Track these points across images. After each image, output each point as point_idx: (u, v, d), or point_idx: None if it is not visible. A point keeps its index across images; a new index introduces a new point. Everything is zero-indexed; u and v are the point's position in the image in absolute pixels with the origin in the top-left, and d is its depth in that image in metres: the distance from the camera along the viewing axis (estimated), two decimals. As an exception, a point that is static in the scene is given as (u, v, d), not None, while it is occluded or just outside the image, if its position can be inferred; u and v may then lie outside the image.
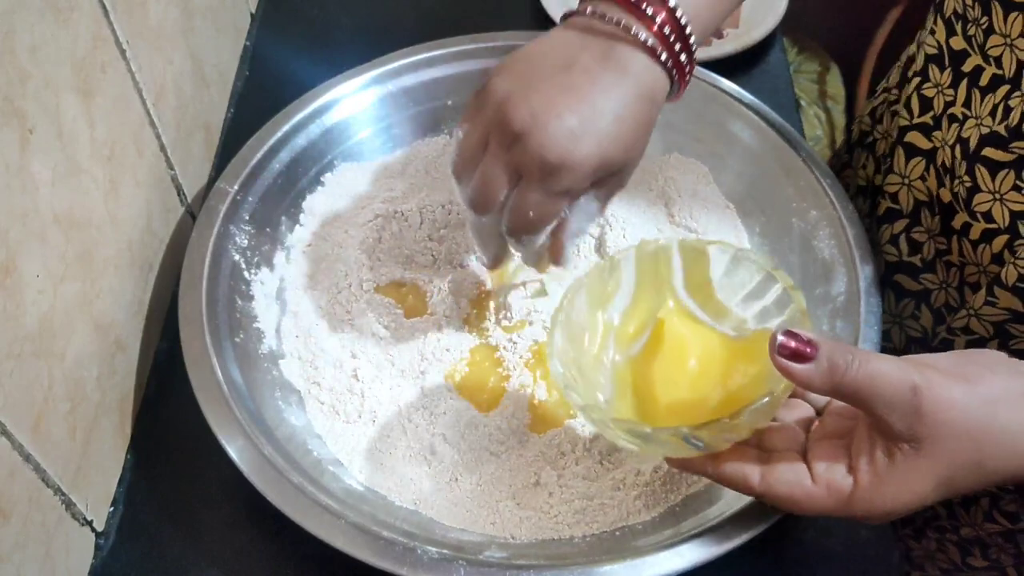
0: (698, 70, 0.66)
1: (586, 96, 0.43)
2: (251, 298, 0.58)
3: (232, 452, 0.48)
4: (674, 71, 0.45)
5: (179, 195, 0.64)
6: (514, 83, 0.44)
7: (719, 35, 0.80)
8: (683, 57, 0.45)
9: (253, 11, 0.82)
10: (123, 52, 0.55)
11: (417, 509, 0.51)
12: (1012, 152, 0.50)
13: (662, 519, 0.49)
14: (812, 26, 1.34)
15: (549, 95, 0.43)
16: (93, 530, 0.51)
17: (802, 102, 1.36)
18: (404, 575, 0.44)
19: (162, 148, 0.61)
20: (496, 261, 0.52)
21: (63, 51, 0.48)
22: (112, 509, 0.53)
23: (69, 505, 0.48)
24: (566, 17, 0.46)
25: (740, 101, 0.64)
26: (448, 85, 0.67)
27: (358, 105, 0.66)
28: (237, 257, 0.58)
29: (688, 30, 0.44)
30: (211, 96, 0.71)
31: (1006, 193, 0.51)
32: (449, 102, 0.68)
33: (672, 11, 0.43)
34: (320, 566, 0.50)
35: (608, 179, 0.46)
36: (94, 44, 0.51)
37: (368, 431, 0.54)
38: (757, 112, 0.63)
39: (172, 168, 0.62)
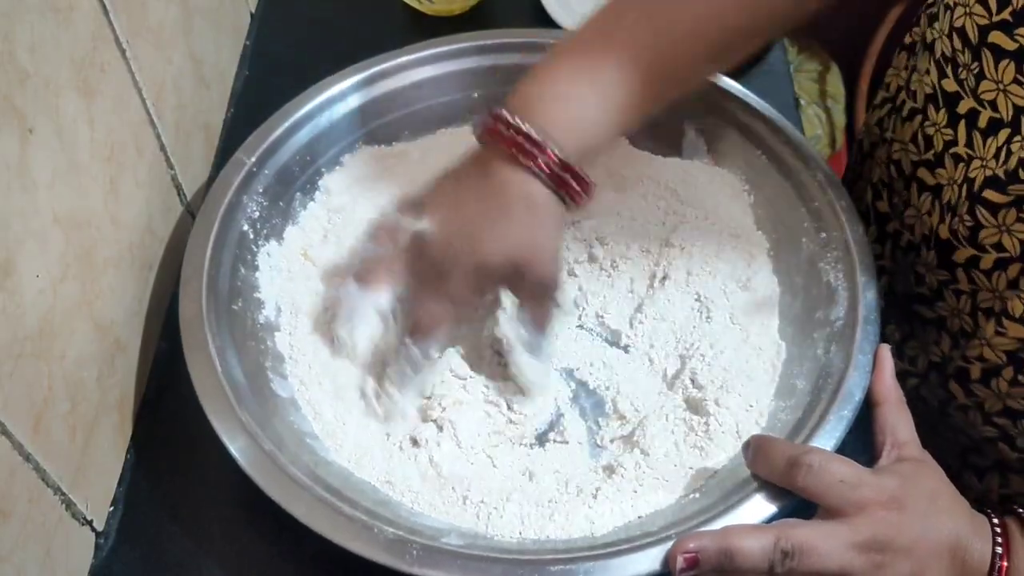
0: (733, 87, 0.65)
1: (473, 217, 0.52)
2: (255, 268, 0.58)
3: (233, 449, 0.47)
4: (561, 192, 0.52)
5: (179, 195, 0.64)
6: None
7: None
8: (571, 183, 0.52)
9: (253, 11, 0.82)
10: (123, 52, 0.55)
11: (416, 504, 0.51)
12: (1009, 195, 0.51)
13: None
14: (812, 25, 1.34)
15: (449, 217, 0.53)
16: (93, 530, 0.51)
17: (802, 101, 1.36)
18: (409, 571, 0.44)
19: (162, 148, 0.61)
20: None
21: (63, 51, 0.48)
22: (112, 509, 0.53)
23: (69, 505, 0.48)
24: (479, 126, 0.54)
25: (761, 116, 0.64)
26: (475, 78, 0.68)
27: (383, 89, 0.66)
28: (246, 227, 0.58)
29: (569, 161, 0.51)
30: (211, 96, 0.71)
31: (1012, 225, 0.51)
32: (475, 94, 0.68)
33: (553, 154, 0.51)
34: (321, 565, 0.50)
35: (517, 285, 0.53)
36: (94, 44, 0.51)
37: (370, 422, 0.54)
38: (781, 131, 0.63)
39: (172, 168, 0.62)
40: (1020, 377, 0.54)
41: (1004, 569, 0.44)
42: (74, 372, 0.49)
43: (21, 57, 0.43)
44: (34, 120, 0.44)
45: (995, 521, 0.46)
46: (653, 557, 0.44)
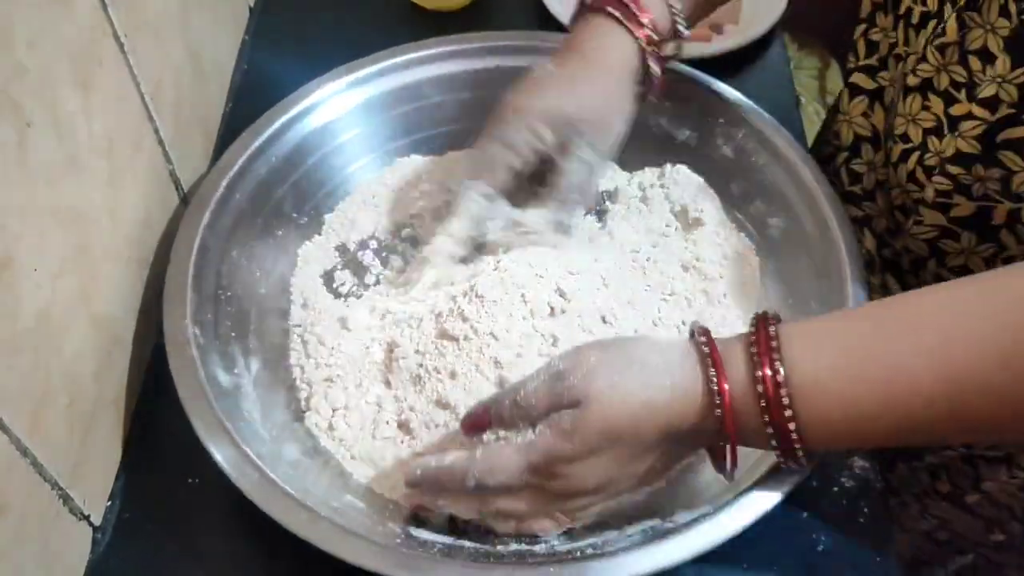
0: (728, 92, 0.64)
1: (546, 73, 0.56)
2: (246, 267, 0.58)
3: (219, 458, 0.47)
4: (649, 60, 0.56)
5: (177, 189, 0.64)
6: None
7: (719, 31, 0.80)
8: (662, 54, 0.57)
9: (252, 4, 0.82)
10: (121, 45, 0.55)
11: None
12: (917, 76, 0.54)
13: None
14: (812, 23, 1.34)
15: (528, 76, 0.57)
16: (90, 525, 0.51)
17: (802, 99, 1.35)
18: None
19: (160, 142, 0.60)
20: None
21: (61, 44, 0.48)
22: (109, 504, 0.53)
23: (66, 500, 0.48)
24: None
25: (759, 119, 0.63)
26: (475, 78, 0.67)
27: (380, 89, 0.66)
28: (237, 227, 0.58)
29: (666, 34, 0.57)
30: (209, 90, 0.71)
31: (917, 114, 0.54)
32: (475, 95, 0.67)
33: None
34: (319, 564, 0.50)
35: (579, 129, 0.55)
36: (92, 37, 0.51)
37: (363, 422, 0.54)
38: (780, 134, 0.62)
39: (170, 162, 0.62)
40: (943, 271, 0.57)
41: (725, 392, 0.41)
42: (72, 367, 0.48)
43: (19, 50, 0.43)
44: (32, 114, 0.44)
45: (706, 351, 0.42)
46: (653, 557, 0.44)
